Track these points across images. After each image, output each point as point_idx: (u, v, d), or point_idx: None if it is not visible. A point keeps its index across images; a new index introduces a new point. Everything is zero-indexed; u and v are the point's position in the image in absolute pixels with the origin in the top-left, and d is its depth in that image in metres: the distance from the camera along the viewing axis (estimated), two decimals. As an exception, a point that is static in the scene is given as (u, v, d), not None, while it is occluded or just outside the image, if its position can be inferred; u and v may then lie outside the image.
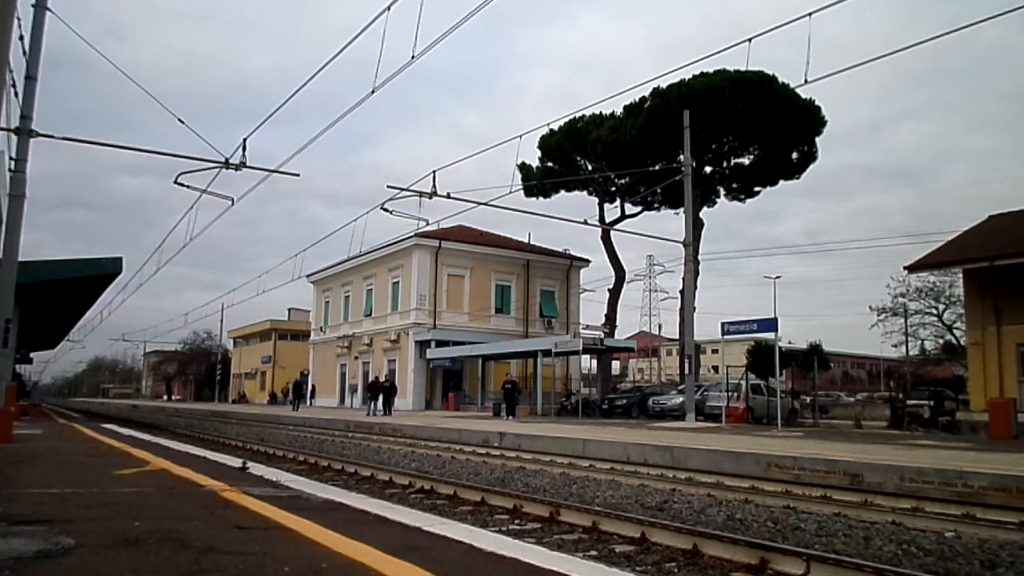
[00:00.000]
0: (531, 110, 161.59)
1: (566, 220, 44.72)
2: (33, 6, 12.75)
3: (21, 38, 12.09)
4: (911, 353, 51.85)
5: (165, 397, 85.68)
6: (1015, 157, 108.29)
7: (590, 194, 40.47)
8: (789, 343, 44.39)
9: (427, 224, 25.46)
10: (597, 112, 36.62)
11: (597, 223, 36.48)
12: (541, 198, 40.39)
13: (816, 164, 34.98)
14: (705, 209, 36.58)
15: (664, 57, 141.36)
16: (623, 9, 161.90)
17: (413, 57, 13.40)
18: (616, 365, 69.40)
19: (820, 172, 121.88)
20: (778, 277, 41.57)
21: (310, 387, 50.34)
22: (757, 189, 37.17)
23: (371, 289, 45.87)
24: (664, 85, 32.70)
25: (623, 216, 39.61)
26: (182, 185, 15.99)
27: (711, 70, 31.90)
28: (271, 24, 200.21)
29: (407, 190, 20.13)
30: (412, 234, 38.81)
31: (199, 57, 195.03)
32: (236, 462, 9.39)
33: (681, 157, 27.43)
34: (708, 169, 35.96)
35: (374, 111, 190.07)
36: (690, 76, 32.06)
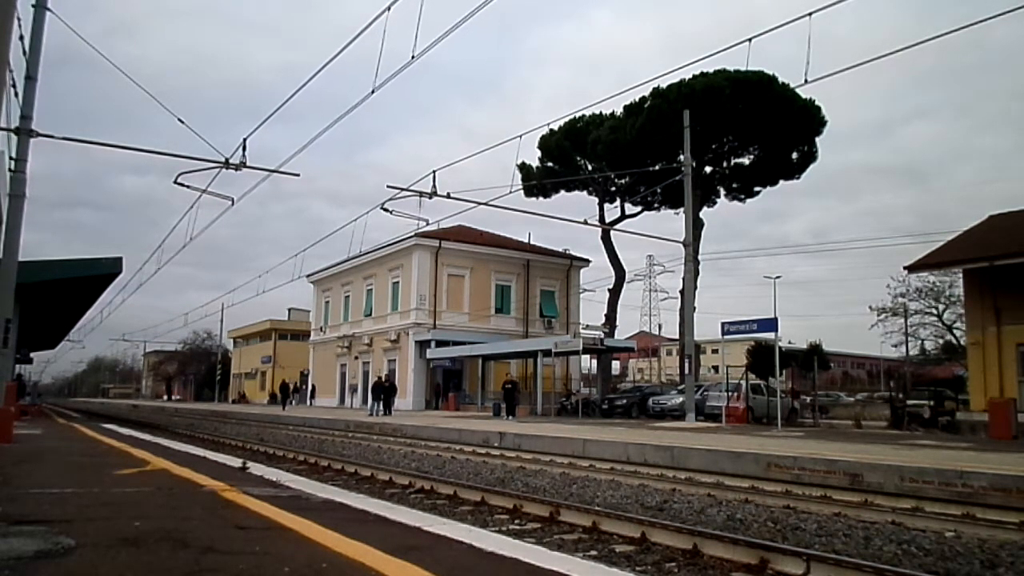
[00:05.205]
0: (540, 109, 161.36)
1: (566, 220, 44.73)
2: (33, 6, 12.75)
3: (21, 38, 12.09)
4: (911, 353, 51.93)
5: (165, 397, 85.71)
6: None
7: (590, 194, 40.48)
8: (789, 343, 44.41)
9: (427, 224, 25.51)
10: (597, 112, 36.68)
11: (597, 223, 36.48)
12: (541, 198, 40.43)
13: (822, 164, 35.20)
14: (706, 209, 36.63)
15: (675, 56, 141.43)
16: (634, 7, 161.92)
17: (413, 57, 13.40)
18: (616, 365, 69.41)
19: (826, 172, 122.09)
20: (778, 277, 41.53)
21: (310, 387, 50.52)
22: (757, 189, 37.17)
23: (371, 289, 45.86)
24: (664, 85, 32.77)
25: (623, 216, 39.62)
26: (182, 185, 16.02)
27: (711, 70, 31.96)
28: (278, 22, 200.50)
29: (407, 190, 20.13)
30: (412, 234, 38.82)
31: (207, 55, 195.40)
32: (236, 462, 9.40)
33: (681, 157, 27.43)
34: (708, 169, 35.94)
35: (380, 110, 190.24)
36: (690, 76, 32.12)
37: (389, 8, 12.37)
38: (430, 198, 19.74)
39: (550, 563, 3.69)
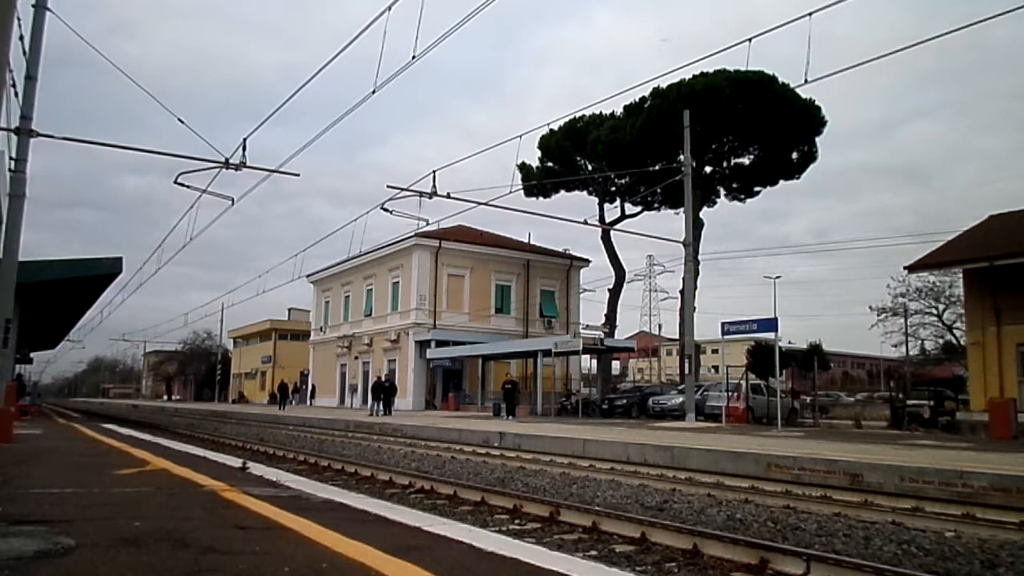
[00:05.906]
0: (540, 109, 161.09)
1: (566, 220, 44.79)
2: (33, 6, 12.75)
3: (21, 38, 12.09)
4: (911, 353, 51.94)
5: (165, 397, 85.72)
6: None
7: (590, 194, 40.49)
8: (789, 343, 44.48)
9: (427, 224, 25.51)
10: (597, 112, 36.69)
11: (597, 223, 36.49)
12: (541, 198, 40.45)
13: (822, 164, 35.22)
14: (706, 209, 36.65)
15: (675, 56, 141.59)
16: (634, 7, 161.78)
17: (414, 57, 13.42)
18: (616, 365, 69.38)
19: (827, 172, 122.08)
20: (778, 277, 41.59)
21: (310, 387, 50.53)
22: (757, 189, 37.20)
23: (371, 289, 45.87)
24: (664, 85, 32.78)
25: (623, 216, 39.63)
26: (182, 185, 16.02)
27: (711, 70, 31.97)
28: (278, 22, 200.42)
29: (407, 190, 20.13)
30: (412, 234, 38.83)
31: (207, 55, 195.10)
32: (236, 462, 9.39)
33: (681, 157, 27.43)
34: (708, 169, 35.97)
35: (380, 110, 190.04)
36: (690, 76, 32.13)
37: (389, 8, 12.39)
38: (430, 198, 19.76)
39: (550, 563, 3.68)
